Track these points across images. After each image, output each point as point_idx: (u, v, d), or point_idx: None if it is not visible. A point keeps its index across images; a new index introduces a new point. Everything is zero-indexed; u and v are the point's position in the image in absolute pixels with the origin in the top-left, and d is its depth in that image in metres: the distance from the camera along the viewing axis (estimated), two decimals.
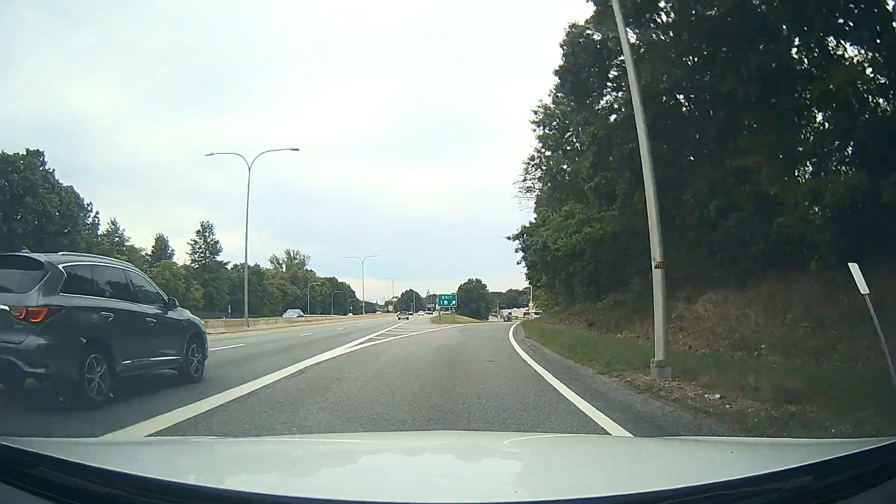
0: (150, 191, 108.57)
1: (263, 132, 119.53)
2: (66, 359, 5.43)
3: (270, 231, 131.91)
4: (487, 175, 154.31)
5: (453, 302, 59.94)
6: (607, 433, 4.55)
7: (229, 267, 78.99)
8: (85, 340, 5.71)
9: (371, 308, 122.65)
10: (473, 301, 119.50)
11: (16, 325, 5.23)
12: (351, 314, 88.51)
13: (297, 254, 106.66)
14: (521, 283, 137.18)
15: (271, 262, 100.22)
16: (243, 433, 4.64)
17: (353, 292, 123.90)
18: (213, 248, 78.49)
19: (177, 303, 8.04)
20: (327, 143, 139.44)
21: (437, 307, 66.83)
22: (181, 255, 74.86)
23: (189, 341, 7.81)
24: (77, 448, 1.84)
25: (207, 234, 78.48)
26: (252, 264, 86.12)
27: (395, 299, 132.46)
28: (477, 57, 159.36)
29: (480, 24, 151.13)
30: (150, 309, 7.20)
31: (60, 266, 5.90)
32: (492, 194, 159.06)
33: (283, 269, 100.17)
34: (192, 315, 8.75)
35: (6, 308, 5.27)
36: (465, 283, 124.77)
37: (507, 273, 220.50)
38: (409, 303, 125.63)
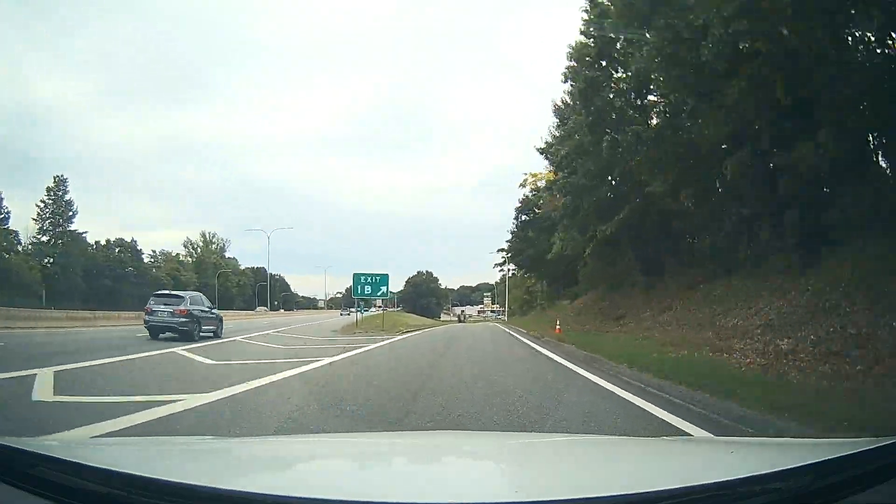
0: (111, 184, 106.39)
1: (226, 127, 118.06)
2: (190, 326, 16.11)
3: (227, 226, 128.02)
4: (443, 174, 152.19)
5: (382, 288, 29.99)
6: None
7: (93, 242, 60.59)
8: (194, 320, 16.39)
9: (313, 303, 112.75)
10: (423, 297, 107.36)
11: (176, 316, 16.08)
12: (264, 309, 69.60)
13: (213, 237, 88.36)
14: (475, 279, 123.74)
15: (185, 245, 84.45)
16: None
17: (288, 286, 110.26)
18: (66, 212, 55.16)
19: (216, 306, 21.43)
20: (290, 140, 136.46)
21: (356, 299, 32.80)
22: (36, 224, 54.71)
23: (219, 322, 18.82)
24: (77, 448, 1.84)
25: (60, 192, 54.91)
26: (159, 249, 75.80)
27: (339, 295, 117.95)
28: (437, 59, 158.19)
29: (437, 24, 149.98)
30: (206, 309, 18.27)
31: (187, 296, 17.49)
32: (449, 193, 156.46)
33: (200, 254, 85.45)
34: (219, 311, 20.46)
35: (172, 310, 16.17)
36: (413, 277, 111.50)
37: (459, 270, 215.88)
38: (358, 298, 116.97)
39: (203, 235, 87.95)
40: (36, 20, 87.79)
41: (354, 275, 28.91)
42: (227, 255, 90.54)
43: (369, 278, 29.05)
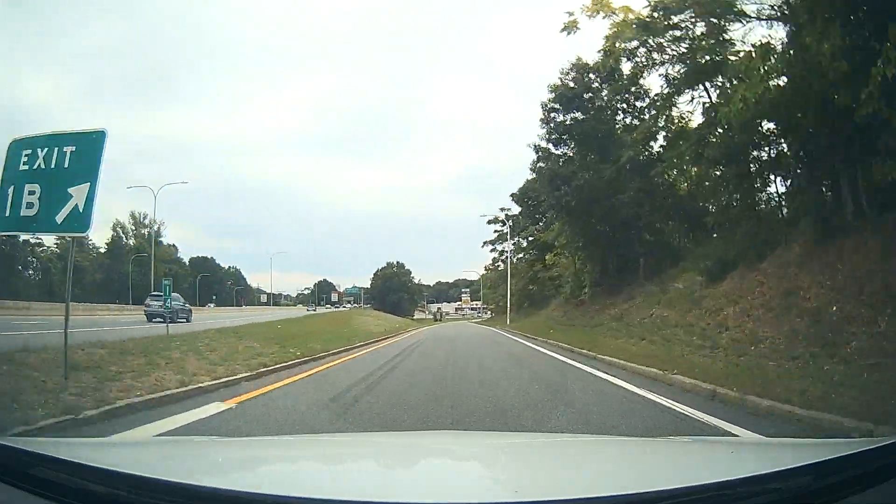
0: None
1: (203, 128, 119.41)
2: (171, 314, 19.04)
3: (199, 225, 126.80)
4: (420, 173, 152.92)
5: (77, 192, 5.73)
6: None
7: None
8: (173, 311, 21.63)
9: (277, 300, 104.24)
10: (394, 291, 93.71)
11: (162, 307, 19.58)
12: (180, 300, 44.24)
13: (144, 218, 73.11)
14: (453, 275, 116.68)
15: (113, 228, 72.30)
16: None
17: (244, 278, 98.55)
18: None
19: (185, 300, 33.34)
20: (265, 140, 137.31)
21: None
22: None
23: (188, 313, 29.77)
24: (77, 448, 1.84)
25: None
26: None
27: (307, 290, 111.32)
28: (414, 56, 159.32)
29: (420, 23, 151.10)
30: (181, 304, 28.66)
31: (170, 296, 19.44)
32: (425, 191, 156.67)
33: (128, 240, 73.05)
34: (188, 305, 32.69)
35: (160, 304, 21.99)
36: (382, 269, 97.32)
37: (435, 269, 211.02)
38: (321, 295, 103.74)
39: (133, 216, 73.93)
40: (16, 19, 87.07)
41: (12, 145, 6.14)
42: (165, 241, 76.10)
43: (45, 148, 6.01)
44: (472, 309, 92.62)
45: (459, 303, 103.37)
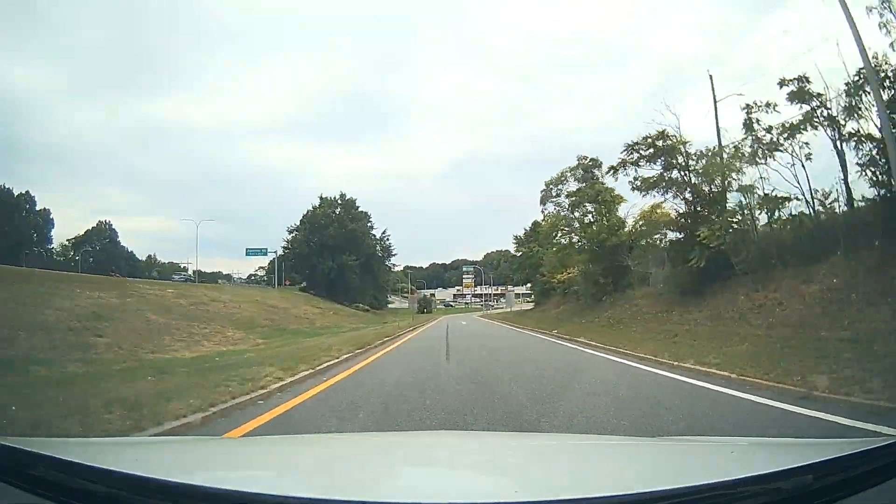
0: (81, 171, 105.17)
1: (189, 113, 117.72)
2: (185, 279, 54.68)
3: (191, 213, 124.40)
4: (413, 159, 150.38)
5: None
6: None
7: None
8: (185, 278, 55.26)
9: (215, 278, 72.47)
10: (332, 251, 50.42)
11: (179, 275, 57.56)
12: None
13: None
14: (450, 256, 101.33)
15: None
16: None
17: (122, 245, 63.97)
18: None
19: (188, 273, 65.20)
20: (249, 126, 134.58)
21: None
22: None
23: (191, 279, 56.64)
24: (77, 448, 1.84)
25: None
26: None
27: (262, 270, 76.73)
28: (401, 41, 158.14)
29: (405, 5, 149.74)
30: (190, 275, 59.19)
31: (182, 273, 61.59)
32: (417, 178, 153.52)
33: None
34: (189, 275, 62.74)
35: (179, 275, 57.15)
36: (314, 210, 52.77)
37: (427, 255, 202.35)
38: (270, 274, 61.16)
39: None
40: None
41: None
42: None
43: None
44: (477, 296, 77.13)
45: (459, 287, 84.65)
